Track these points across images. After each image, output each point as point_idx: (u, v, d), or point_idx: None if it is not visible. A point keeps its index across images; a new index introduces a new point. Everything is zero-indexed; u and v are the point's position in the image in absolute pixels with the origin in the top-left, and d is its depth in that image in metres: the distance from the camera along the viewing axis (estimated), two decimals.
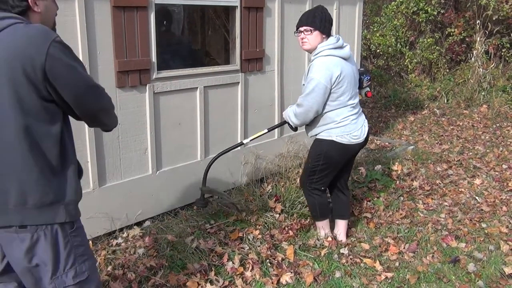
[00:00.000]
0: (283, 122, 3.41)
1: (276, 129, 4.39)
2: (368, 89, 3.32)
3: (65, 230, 1.70)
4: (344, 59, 3.00)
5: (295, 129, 3.27)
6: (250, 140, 3.54)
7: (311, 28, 2.98)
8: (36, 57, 1.50)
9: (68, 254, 1.71)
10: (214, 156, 3.48)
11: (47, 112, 1.60)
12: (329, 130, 3.04)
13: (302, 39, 3.04)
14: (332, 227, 3.45)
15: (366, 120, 3.18)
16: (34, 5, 1.62)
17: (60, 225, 1.68)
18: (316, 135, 3.13)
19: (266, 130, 3.47)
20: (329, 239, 3.34)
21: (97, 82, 1.77)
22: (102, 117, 1.78)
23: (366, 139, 3.15)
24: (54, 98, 1.60)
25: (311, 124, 3.12)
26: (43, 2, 1.66)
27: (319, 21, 2.97)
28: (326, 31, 3.01)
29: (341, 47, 3.01)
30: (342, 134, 3.02)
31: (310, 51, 3.09)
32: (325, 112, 3.01)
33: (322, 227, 3.38)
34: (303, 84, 3.06)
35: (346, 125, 3.01)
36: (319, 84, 2.89)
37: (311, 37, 3.00)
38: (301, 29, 3.03)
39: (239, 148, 4.06)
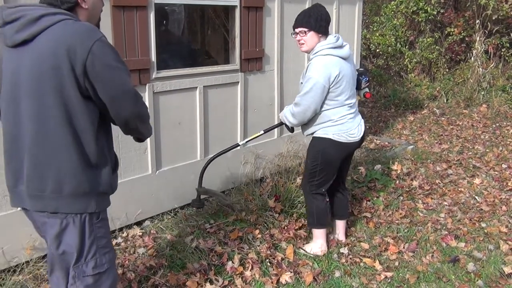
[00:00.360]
0: (279, 124, 3.39)
1: (275, 129, 4.39)
2: (366, 90, 3.27)
3: (92, 219, 1.77)
4: (344, 58, 2.96)
5: (291, 130, 3.23)
6: (246, 142, 3.52)
7: (306, 29, 2.93)
8: (79, 52, 1.58)
9: (91, 244, 1.78)
10: (211, 156, 3.49)
11: (86, 107, 1.67)
12: (326, 128, 2.99)
13: (299, 41, 3.00)
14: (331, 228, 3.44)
15: (362, 120, 3.14)
16: (82, 2, 1.73)
17: (89, 214, 1.76)
18: (312, 133, 3.09)
19: (262, 132, 3.43)
20: (323, 248, 3.21)
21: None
22: (135, 124, 1.80)
23: (363, 138, 3.11)
24: (92, 95, 1.66)
25: (307, 122, 3.07)
26: None
27: (314, 20, 2.91)
28: (322, 30, 2.95)
29: (340, 47, 2.96)
30: (339, 132, 2.97)
31: (308, 52, 3.04)
32: (323, 111, 2.97)
33: (319, 238, 3.22)
34: (301, 83, 3.02)
35: (343, 123, 2.97)
36: (317, 83, 2.86)
37: (307, 38, 2.95)
38: (297, 30, 2.99)
39: (238, 147, 4.06)
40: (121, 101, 1.70)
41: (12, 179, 1.76)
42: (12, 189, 1.78)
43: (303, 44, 2.99)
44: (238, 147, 3.76)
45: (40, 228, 1.83)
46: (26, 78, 1.63)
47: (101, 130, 1.76)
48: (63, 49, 1.57)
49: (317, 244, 3.23)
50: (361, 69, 3.31)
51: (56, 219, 1.71)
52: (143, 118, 1.83)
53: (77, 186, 1.70)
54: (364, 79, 3.21)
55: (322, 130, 3.01)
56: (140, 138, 1.98)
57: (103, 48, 1.62)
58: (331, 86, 2.89)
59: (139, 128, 1.84)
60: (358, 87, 3.20)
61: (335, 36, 2.98)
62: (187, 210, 3.80)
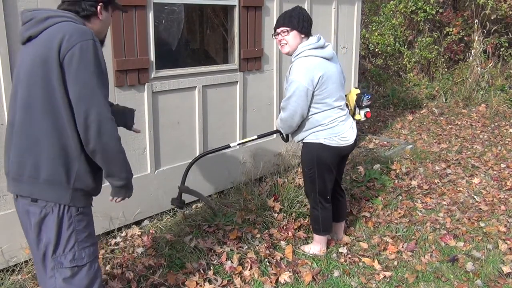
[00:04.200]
0: (275, 131, 3.35)
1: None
2: (367, 109, 3.19)
3: (70, 211, 1.81)
4: (327, 59, 2.86)
5: (286, 139, 3.19)
6: (238, 144, 3.48)
7: (288, 28, 2.85)
8: (64, 46, 1.67)
9: (69, 236, 1.81)
10: (199, 154, 3.46)
11: (69, 102, 1.72)
12: (317, 132, 2.91)
13: (280, 41, 2.90)
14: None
15: (354, 122, 3.07)
16: (100, 13, 1.90)
17: (68, 206, 1.80)
18: (302, 139, 3.00)
19: (255, 137, 3.41)
20: (323, 249, 3.22)
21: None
22: (94, 142, 1.73)
23: (356, 141, 3.03)
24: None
25: (297, 129, 2.98)
26: (106, 13, 1.94)
27: (296, 20, 2.84)
28: (304, 31, 2.87)
29: (322, 47, 2.87)
30: (330, 136, 2.89)
31: (290, 54, 2.94)
32: (312, 115, 2.88)
33: (320, 242, 3.22)
34: (286, 88, 2.92)
35: (334, 127, 2.89)
36: (299, 86, 2.76)
37: (289, 38, 2.86)
38: (278, 30, 2.90)
39: (237, 147, 4.05)
40: (88, 104, 1.69)
41: (6, 165, 1.86)
42: (7, 174, 1.88)
43: (285, 44, 2.89)
44: (238, 146, 3.75)
45: (23, 220, 1.88)
46: (23, 70, 1.75)
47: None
48: (55, 42, 1.67)
49: (317, 247, 3.23)
50: (363, 88, 3.25)
51: (37, 208, 1.78)
52: (106, 145, 1.76)
53: (53, 174, 1.76)
54: (366, 97, 3.14)
55: (312, 134, 2.93)
56: (108, 175, 1.86)
57: (87, 50, 1.69)
58: (315, 89, 2.80)
59: (96, 150, 1.75)
60: (359, 105, 3.14)
61: (317, 37, 2.90)
62: (186, 209, 3.80)
